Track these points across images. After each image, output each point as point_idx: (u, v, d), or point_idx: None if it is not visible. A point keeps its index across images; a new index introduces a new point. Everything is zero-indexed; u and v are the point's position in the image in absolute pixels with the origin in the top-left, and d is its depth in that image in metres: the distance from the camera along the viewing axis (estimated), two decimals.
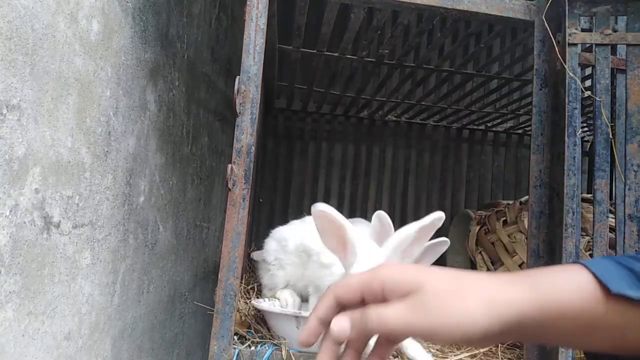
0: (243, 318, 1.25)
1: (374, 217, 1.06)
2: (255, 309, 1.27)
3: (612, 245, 1.13)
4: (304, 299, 1.37)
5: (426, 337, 0.48)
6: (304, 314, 1.07)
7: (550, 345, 1.11)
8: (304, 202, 2.76)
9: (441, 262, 2.48)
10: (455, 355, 1.25)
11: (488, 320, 0.47)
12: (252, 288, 1.47)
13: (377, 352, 0.52)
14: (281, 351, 1.05)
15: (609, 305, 0.49)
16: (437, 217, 0.95)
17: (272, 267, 1.37)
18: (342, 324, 0.49)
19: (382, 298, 0.49)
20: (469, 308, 0.47)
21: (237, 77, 1.10)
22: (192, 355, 1.94)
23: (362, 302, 0.50)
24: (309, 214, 0.93)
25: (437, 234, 1.27)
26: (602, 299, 0.49)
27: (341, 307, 0.51)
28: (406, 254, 1.00)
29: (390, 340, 0.52)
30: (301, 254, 1.32)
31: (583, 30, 1.17)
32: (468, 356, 1.26)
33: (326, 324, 0.51)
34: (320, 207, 0.85)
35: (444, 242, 1.10)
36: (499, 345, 1.36)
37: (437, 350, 1.31)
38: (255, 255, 1.22)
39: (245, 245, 1.17)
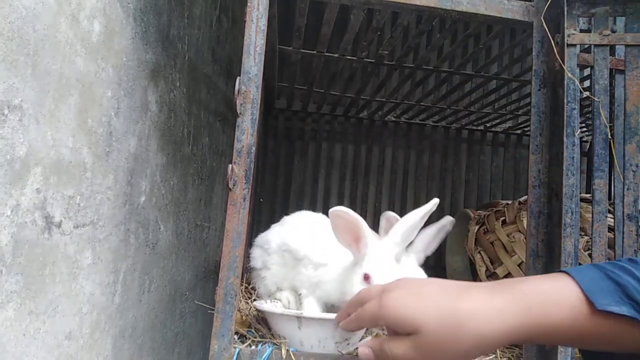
0: (244, 317, 1.25)
1: (382, 218, 1.17)
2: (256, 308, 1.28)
3: (611, 245, 1.13)
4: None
5: None
6: (305, 314, 1.07)
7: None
8: (304, 202, 2.76)
9: (441, 261, 2.48)
10: None
11: (480, 352, 0.56)
12: (253, 287, 1.48)
13: None
14: (281, 350, 1.06)
15: (597, 319, 0.52)
16: (434, 203, 1.11)
17: (261, 272, 1.37)
18: (366, 352, 0.64)
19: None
20: (462, 349, 0.55)
21: (238, 77, 1.10)
22: (192, 354, 1.95)
23: None
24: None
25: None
26: (589, 314, 0.52)
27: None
28: (409, 238, 1.14)
29: None
30: (284, 253, 1.31)
31: (582, 31, 1.18)
32: None
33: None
34: (337, 208, 1.03)
35: (449, 221, 1.19)
36: None
37: None
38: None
39: (246, 245, 1.17)
